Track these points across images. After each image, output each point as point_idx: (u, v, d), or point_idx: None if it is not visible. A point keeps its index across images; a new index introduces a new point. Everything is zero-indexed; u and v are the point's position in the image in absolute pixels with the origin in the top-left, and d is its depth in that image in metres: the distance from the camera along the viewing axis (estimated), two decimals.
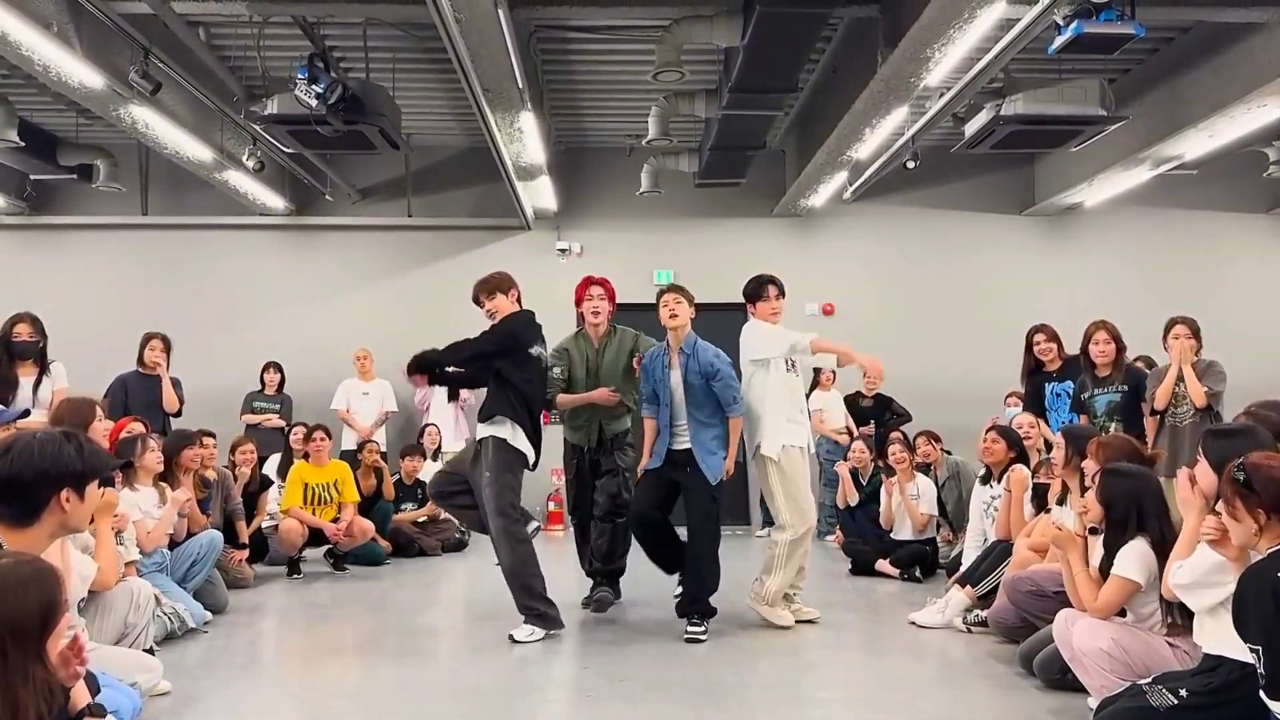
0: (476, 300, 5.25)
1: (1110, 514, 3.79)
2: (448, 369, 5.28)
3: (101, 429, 4.66)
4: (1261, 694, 2.71)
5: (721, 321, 9.52)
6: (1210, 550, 3.10)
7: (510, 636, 4.86)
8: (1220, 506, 2.93)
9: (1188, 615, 3.37)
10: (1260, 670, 2.67)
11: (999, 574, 5.11)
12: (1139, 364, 6.67)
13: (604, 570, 5.76)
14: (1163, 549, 3.59)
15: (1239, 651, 2.87)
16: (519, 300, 5.26)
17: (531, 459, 5.09)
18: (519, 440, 5.00)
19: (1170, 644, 3.54)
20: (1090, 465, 4.20)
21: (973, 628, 5.09)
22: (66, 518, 2.71)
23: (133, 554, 4.69)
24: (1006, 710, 3.87)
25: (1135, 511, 3.71)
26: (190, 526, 5.78)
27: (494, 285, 5.21)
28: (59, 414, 4.66)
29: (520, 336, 5.10)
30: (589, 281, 5.75)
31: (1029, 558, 4.89)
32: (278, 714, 3.93)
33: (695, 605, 5.09)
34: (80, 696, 2.49)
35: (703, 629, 5.03)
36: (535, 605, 4.92)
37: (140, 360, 7.00)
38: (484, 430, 5.06)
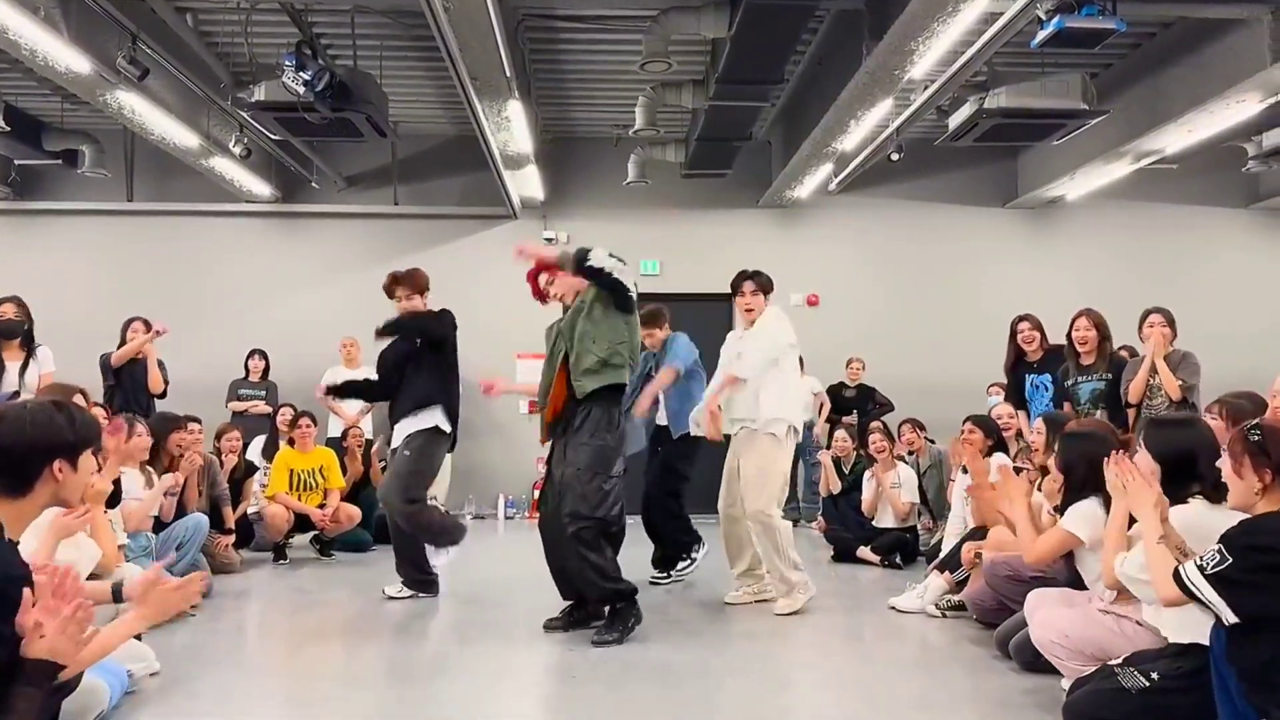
0: (390, 291, 5.69)
1: (1069, 478, 3.89)
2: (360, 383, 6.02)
3: None
4: (1189, 571, 2.75)
5: (706, 311, 9.57)
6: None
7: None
8: (1223, 463, 3.01)
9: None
10: (1216, 560, 2.71)
11: None
12: (1123, 352, 6.76)
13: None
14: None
15: (1206, 637, 2.94)
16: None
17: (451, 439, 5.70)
18: (445, 424, 5.58)
19: (1122, 617, 3.59)
20: None
21: (945, 612, 5.18)
22: (60, 488, 2.70)
23: (121, 537, 4.72)
24: (983, 691, 3.94)
25: (1094, 474, 3.77)
26: (186, 506, 5.98)
27: (422, 285, 5.72)
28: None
29: (454, 325, 5.67)
30: (531, 278, 5.06)
31: (1003, 541, 4.96)
32: (264, 695, 3.97)
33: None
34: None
35: (667, 575, 6.18)
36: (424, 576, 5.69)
37: (123, 344, 7.01)
38: (415, 423, 5.53)
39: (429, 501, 5.77)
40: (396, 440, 5.63)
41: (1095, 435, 4.00)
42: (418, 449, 5.51)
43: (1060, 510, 3.92)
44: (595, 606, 4.76)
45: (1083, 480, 3.85)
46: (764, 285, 5.52)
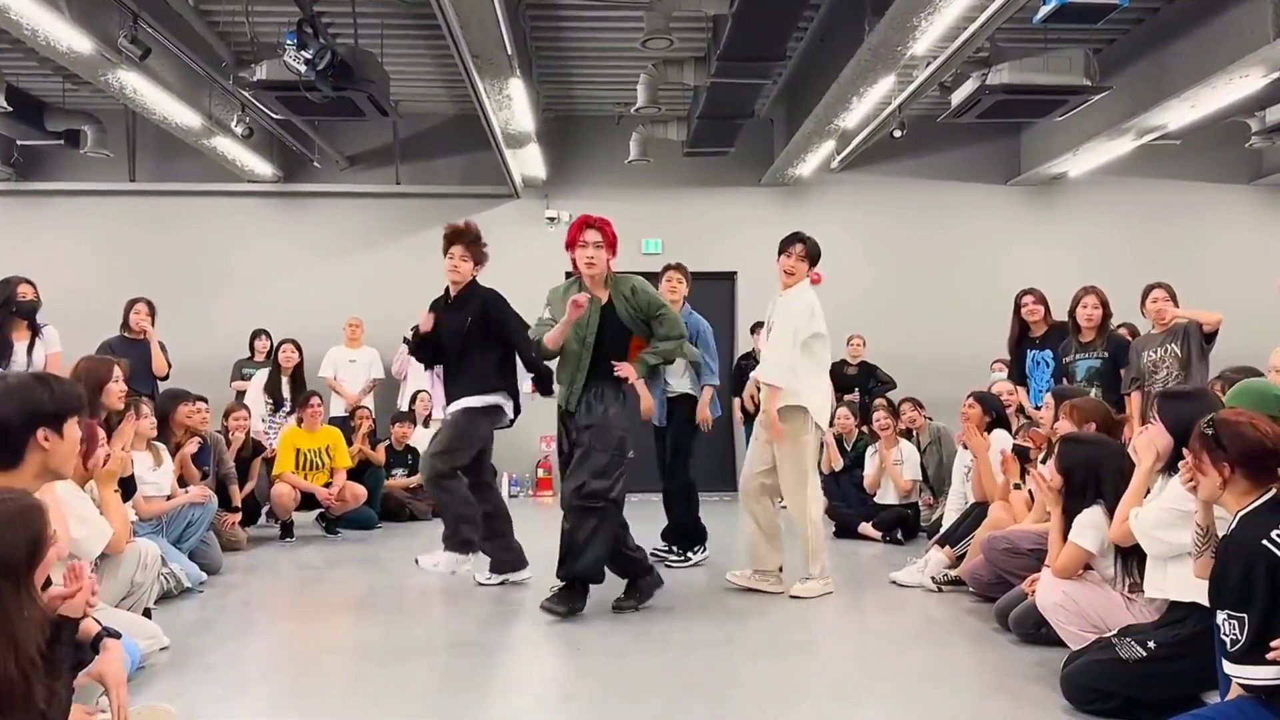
0: (452, 243, 5.29)
1: (1069, 481, 3.93)
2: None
3: (116, 390, 4.70)
4: (1225, 661, 2.69)
5: (709, 290, 9.58)
6: (1171, 497, 3.22)
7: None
8: (1185, 460, 3.01)
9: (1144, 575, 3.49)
10: (1236, 636, 2.65)
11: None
12: (1123, 330, 6.79)
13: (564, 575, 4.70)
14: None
15: (1205, 598, 2.97)
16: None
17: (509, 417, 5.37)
18: (508, 408, 5.32)
19: (1127, 597, 3.67)
20: (1064, 426, 4.32)
21: (943, 586, 5.24)
22: (48, 457, 2.78)
23: (130, 515, 4.76)
24: (983, 663, 4.00)
25: (1093, 479, 3.86)
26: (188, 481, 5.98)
27: (483, 258, 5.38)
28: (77, 373, 4.67)
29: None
30: (583, 223, 4.76)
31: (1002, 519, 5.02)
32: (274, 666, 4.03)
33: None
34: (90, 626, 2.57)
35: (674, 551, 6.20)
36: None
37: (125, 325, 7.05)
38: (470, 402, 5.22)
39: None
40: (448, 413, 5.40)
41: (1095, 441, 4.03)
42: (456, 421, 5.23)
43: (1064, 513, 3.95)
44: (642, 582, 4.89)
45: (1081, 485, 3.89)
46: (811, 252, 5.35)
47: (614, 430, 4.66)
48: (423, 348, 5.42)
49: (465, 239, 5.31)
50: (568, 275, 5.16)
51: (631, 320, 4.76)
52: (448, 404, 5.38)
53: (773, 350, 5.19)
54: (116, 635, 2.65)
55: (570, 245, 4.79)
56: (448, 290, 5.39)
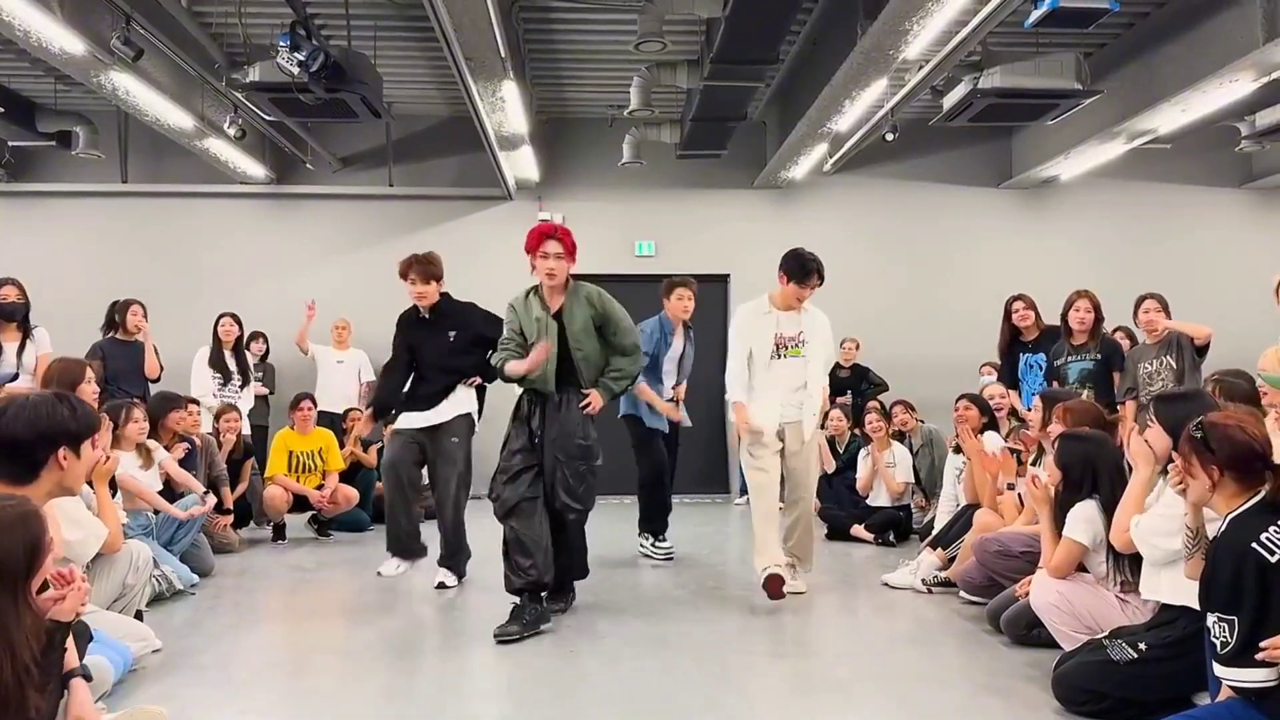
0: (404, 275, 5.60)
1: (1067, 476, 3.96)
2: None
3: (89, 391, 4.71)
4: (1216, 664, 2.69)
5: (702, 292, 9.55)
6: (1170, 504, 3.24)
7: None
8: (1174, 464, 3.03)
9: (1137, 573, 3.51)
10: (1225, 639, 2.65)
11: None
12: (1117, 335, 6.82)
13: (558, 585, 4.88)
14: (1114, 509, 3.74)
15: (1195, 601, 2.99)
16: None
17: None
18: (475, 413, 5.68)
19: (1121, 599, 3.69)
20: (1056, 428, 4.34)
21: (932, 588, 5.25)
22: (64, 475, 2.82)
23: (121, 516, 4.75)
24: (975, 664, 4.01)
25: (1090, 474, 3.88)
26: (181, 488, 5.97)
27: (440, 273, 5.63)
28: (49, 374, 4.70)
29: None
30: (543, 234, 4.72)
31: (990, 524, 5.04)
32: (265, 668, 4.02)
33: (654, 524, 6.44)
34: (71, 658, 2.57)
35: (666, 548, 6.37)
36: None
37: (121, 327, 7.02)
38: (453, 407, 5.55)
39: None
40: (424, 421, 5.56)
41: (1092, 438, 4.05)
42: (465, 433, 5.63)
43: (1060, 508, 3.97)
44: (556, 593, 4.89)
45: (1079, 480, 3.91)
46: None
47: (580, 442, 4.67)
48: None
49: (414, 265, 5.56)
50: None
51: (586, 328, 4.71)
52: (427, 408, 5.57)
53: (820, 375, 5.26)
54: (88, 678, 2.65)
55: (531, 252, 4.75)
56: (416, 308, 5.68)
